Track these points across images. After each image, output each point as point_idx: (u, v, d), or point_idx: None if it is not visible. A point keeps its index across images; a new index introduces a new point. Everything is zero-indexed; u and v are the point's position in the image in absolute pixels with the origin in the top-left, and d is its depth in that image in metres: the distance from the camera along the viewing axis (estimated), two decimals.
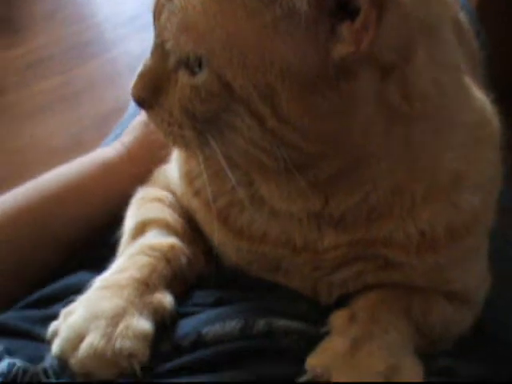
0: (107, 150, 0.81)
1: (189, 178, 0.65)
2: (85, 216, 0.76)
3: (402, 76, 0.49)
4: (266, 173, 0.56)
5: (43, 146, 1.70)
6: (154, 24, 0.53)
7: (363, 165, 0.53)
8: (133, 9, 2.15)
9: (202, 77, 0.49)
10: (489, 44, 1.06)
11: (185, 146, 0.55)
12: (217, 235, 0.62)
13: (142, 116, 0.81)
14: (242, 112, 0.49)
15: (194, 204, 0.65)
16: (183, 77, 0.51)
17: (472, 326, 0.66)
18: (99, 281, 0.59)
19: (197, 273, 0.65)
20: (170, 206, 0.69)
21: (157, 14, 0.52)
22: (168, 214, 0.68)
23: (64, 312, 0.55)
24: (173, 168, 0.69)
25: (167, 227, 0.66)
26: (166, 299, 0.57)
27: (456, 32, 0.72)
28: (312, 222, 0.58)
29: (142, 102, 0.55)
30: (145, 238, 0.65)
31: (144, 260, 0.60)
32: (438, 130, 0.54)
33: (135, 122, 0.83)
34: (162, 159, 0.70)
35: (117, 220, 0.72)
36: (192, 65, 0.50)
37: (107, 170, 0.78)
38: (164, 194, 0.71)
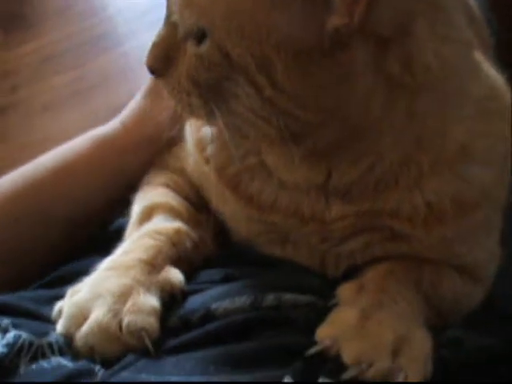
0: (103, 128, 0.81)
1: (201, 145, 0.66)
2: (82, 194, 0.76)
3: (401, 47, 0.49)
4: (269, 142, 0.57)
5: (57, 141, 1.69)
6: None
7: (365, 137, 0.53)
8: (145, 2, 2.15)
9: (204, 47, 0.51)
10: (499, 32, 1.06)
11: (192, 113, 0.57)
12: (226, 207, 0.65)
13: (140, 93, 0.81)
14: (241, 81, 0.51)
15: (206, 171, 0.65)
16: (190, 47, 0.53)
17: (482, 301, 0.66)
18: (105, 262, 0.59)
19: (203, 256, 0.66)
20: (176, 190, 0.71)
21: None
22: (174, 199, 0.69)
23: (70, 291, 0.56)
24: (187, 138, 0.70)
25: (173, 212, 0.67)
26: (172, 276, 0.58)
27: (467, 18, 0.74)
28: (319, 193, 0.59)
29: (154, 71, 0.57)
30: (151, 222, 0.66)
31: (150, 243, 0.61)
32: (444, 102, 0.54)
33: (134, 99, 0.83)
34: (158, 134, 0.72)
35: (118, 197, 0.75)
36: (197, 36, 0.52)
37: (102, 145, 0.78)
38: (171, 177, 0.72)
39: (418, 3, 0.49)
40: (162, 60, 0.55)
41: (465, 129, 0.57)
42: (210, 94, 0.53)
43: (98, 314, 0.52)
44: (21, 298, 0.61)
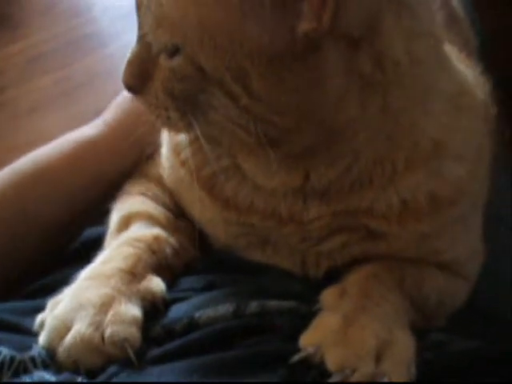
0: (86, 129, 0.80)
1: (178, 149, 0.66)
2: (63, 197, 0.75)
3: (371, 46, 0.49)
4: (246, 149, 0.57)
5: (44, 142, 1.69)
6: (137, 15, 0.55)
7: (341, 138, 0.54)
8: (131, 2, 2.14)
9: (177, 60, 0.52)
10: (484, 33, 1.06)
11: (172, 127, 0.58)
12: (203, 213, 0.65)
13: (123, 93, 0.81)
14: (216, 92, 0.51)
15: (181, 175, 0.66)
16: (163, 61, 0.53)
17: (466, 301, 0.66)
18: (85, 272, 0.59)
19: (184, 262, 0.66)
20: (154, 198, 0.71)
21: (138, 7, 0.55)
22: (152, 207, 0.69)
23: (50, 303, 0.56)
24: (163, 144, 0.70)
25: (151, 219, 0.68)
26: (153, 285, 0.58)
27: (449, 20, 0.75)
28: (296, 195, 0.59)
29: (131, 88, 0.57)
30: (129, 230, 0.66)
31: (129, 251, 0.61)
32: (415, 98, 0.54)
33: (117, 99, 0.83)
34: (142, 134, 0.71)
35: (99, 199, 0.74)
36: (170, 51, 0.52)
37: (85, 147, 0.77)
38: (149, 186, 0.72)
39: (384, 2, 0.49)
40: (138, 77, 0.56)
41: (437, 125, 0.57)
42: (186, 107, 0.54)
43: (80, 326, 0.52)
44: (1, 310, 0.60)
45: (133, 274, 0.58)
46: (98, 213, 0.76)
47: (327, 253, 0.62)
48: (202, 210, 0.65)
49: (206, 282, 0.61)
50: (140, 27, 0.55)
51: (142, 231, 0.65)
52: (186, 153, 0.63)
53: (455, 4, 0.85)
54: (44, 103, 1.91)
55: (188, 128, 0.55)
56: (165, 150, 0.69)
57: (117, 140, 0.77)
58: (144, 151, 0.74)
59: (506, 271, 0.81)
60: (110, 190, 0.74)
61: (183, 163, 0.65)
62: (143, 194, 0.71)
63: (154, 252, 0.62)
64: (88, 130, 0.79)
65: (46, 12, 2.18)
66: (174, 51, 0.52)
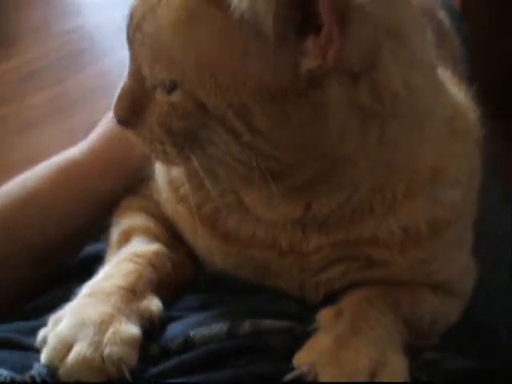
0: (71, 150, 0.79)
1: (173, 185, 0.65)
2: (52, 219, 0.75)
3: (370, 79, 0.50)
4: (246, 182, 0.57)
5: (39, 160, 1.68)
6: (129, 48, 0.54)
7: (342, 169, 0.54)
8: (123, 17, 2.14)
9: (176, 96, 0.51)
10: (471, 41, 1.07)
11: (168, 161, 0.57)
12: (201, 242, 0.65)
13: (107, 115, 0.80)
14: (217, 128, 0.51)
15: (179, 210, 0.65)
16: (160, 95, 0.52)
17: (460, 317, 0.67)
18: (85, 288, 0.59)
19: (183, 277, 0.66)
20: (153, 214, 0.70)
21: (130, 36, 0.53)
22: (151, 222, 0.70)
23: (52, 319, 0.56)
24: (158, 175, 0.69)
25: (151, 234, 0.68)
26: (152, 304, 0.58)
27: (435, 31, 0.74)
28: (296, 226, 0.59)
29: (123, 122, 0.56)
30: (129, 245, 0.66)
31: (130, 267, 0.61)
32: (413, 126, 0.55)
33: (101, 121, 0.82)
34: (127, 157, 0.71)
35: (89, 221, 0.75)
36: (168, 86, 0.51)
37: (67, 171, 0.76)
38: (147, 203, 0.72)
39: (382, 36, 0.50)
40: (131, 111, 0.55)
41: (433, 151, 0.58)
42: (184, 142, 0.53)
43: (81, 346, 0.52)
44: (3, 329, 0.60)
45: (133, 292, 0.58)
46: (97, 230, 0.77)
47: (326, 281, 0.62)
48: (200, 242, 0.65)
49: (202, 301, 0.62)
50: (132, 60, 0.54)
51: (142, 246, 0.65)
52: (185, 189, 0.63)
53: (442, 16, 0.87)
54: (38, 120, 1.91)
55: (185, 162, 0.55)
56: (160, 182, 0.69)
57: (101, 160, 0.76)
58: (137, 174, 0.73)
59: (498, 284, 0.82)
60: (102, 210, 0.74)
61: (181, 199, 0.64)
62: (143, 209, 0.71)
63: (154, 267, 0.62)
64: (73, 152, 0.78)
65: (38, 29, 2.19)
66: (172, 87, 0.51)
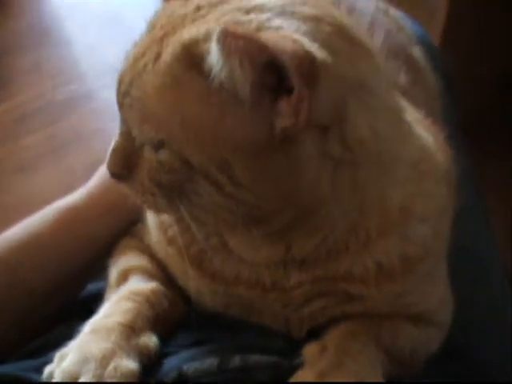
0: (72, 196, 0.83)
1: (163, 227, 0.69)
2: (53, 263, 0.78)
3: (339, 130, 0.53)
4: (230, 227, 0.61)
5: (33, 202, 1.68)
6: (119, 111, 0.58)
7: (317, 212, 0.57)
8: (115, 56, 2.16)
9: (163, 155, 0.55)
10: (456, 77, 1.11)
11: (158, 210, 0.61)
12: (191, 283, 0.68)
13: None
14: (202, 182, 0.54)
15: (169, 252, 0.69)
16: (148, 153, 0.56)
17: (441, 346, 0.70)
18: (88, 326, 0.63)
19: (178, 314, 0.70)
20: (149, 254, 0.74)
21: (119, 101, 0.57)
22: (147, 262, 0.73)
23: (58, 355, 0.59)
24: (148, 219, 0.74)
25: (148, 273, 0.72)
26: (150, 341, 0.62)
27: (409, 70, 0.82)
28: (278, 265, 0.63)
29: (117, 176, 0.60)
30: (128, 284, 0.70)
31: (128, 305, 0.65)
32: (381, 170, 0.58)
33: (100, 168, 0.85)
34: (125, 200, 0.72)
35: (91, 264, 0.79)
36: (156, 145, 0.55)
37: (67, 216, 0.80)
38: (142, 244, 0.76)
39: (348, 90, 0.53)
40: (123, 166, 0.59)
41: (402, 192, 0.61)
42: (173, 193, 0.57)
43: (85, 380, 0.56)
44: (11, 367, 0.63)
45: (132, 329, 0.62)
46: (98, 269, 0.80)
47: (308, 315, 0.65)
48: (189, 282, 0.69)
49: (194, 338, 0.65)
50: (123, 122, 0.58)
51: (139, 285, 0.69)
52: (174, 231, 0.67)
53: (417, 53, 0.90)
54: (31, 162, 1.92)
55: (175, 211, 0.59)
56: (151, 225, 0.73)
57: (100, 206, 0.80)
58: (134, 217, 0.77)
59: (479, 309, 0.85)
60: (101, 252, 0.78)
61: (170, 241, 0.68)
62: (139, 249, 0.75)
63: (151, 304, 0.66)
64: (73, 198, 0.82)
65: (31, 71, 2.21)
66: (159, 145, 0.55)
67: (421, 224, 0.63)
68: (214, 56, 0.50)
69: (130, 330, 0.62)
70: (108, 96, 2.05)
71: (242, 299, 0.66)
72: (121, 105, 0.57)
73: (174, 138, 0.53)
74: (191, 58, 0.52)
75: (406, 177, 0.61)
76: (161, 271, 0.72)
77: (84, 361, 0.57)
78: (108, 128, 1.88)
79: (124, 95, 0.56)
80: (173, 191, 0.56)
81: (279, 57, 0.47)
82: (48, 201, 0.83)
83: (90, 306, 0.70)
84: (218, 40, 0.49)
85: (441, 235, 0.66)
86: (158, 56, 0.54)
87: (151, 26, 0.58)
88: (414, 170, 0.62)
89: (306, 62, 0.48)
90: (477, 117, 1.50)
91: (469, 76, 1.42)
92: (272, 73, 0.49)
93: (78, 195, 0.82)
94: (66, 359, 0.58)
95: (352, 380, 0.56)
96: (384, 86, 0.58)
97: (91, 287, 0.84)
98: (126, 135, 0.58)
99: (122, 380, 0.56)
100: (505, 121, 1.66)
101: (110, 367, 0.56)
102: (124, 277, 0.72)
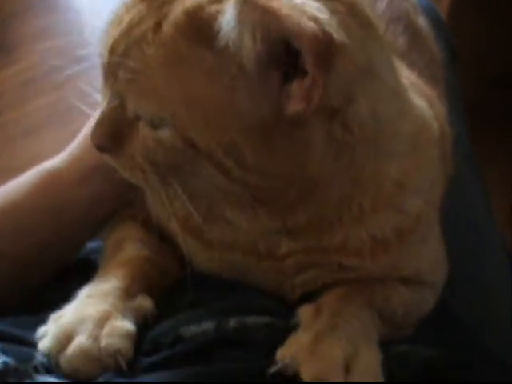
0: (52, 160, 0.78)
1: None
2: (29, 229, 0.74)
3: (343, 114, 0.52)
4: (229, 205, 0.60)
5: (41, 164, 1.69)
6: (106, 81, 0.55)
7: (316, 189, 0.57)
8: None
9: (164, 133, 0.52)
10: (459, 49, 1.11)
11: (148, 187, 0.59)
12: (188, 250, 0.68)
13: (89, 122, 0.78)
14: (205, 164, 0.52)
15: (170, 226, 0.68)
16: (145, 129, 0.53)
17: (435, 308, 0.72)
18: (85, 290, 0.63)
19: (171, 280, 0.70)
20: (143, 223, 0.73)
21: (110, 72, 0.53)
22: (141, 231, 0.73)
23: (53, 317, 0.60)
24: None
25: (142, 242, 0.72)
26: (145, 302, 0.63)
27: (410, 34, 0.81)
28: (272, 234, 0.63)
29: (102, 149, 0.57)
30: (123, 252, 0.70)
31: (123, 271, 0.66)
32: (379, 148, 0.58)
33: (83, 131, 0.80)
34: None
35: (75, 229, 0.76)
36: (155, 122, 0.52)
37: (47, 179, 0.75)
38: (138, 212, 0.74)
39: (358, 72, 0.51)
40: (110, 137, 0.55)
41: (398, 166, 0.61)
42: (168, 173, 0.55)
43: (81, 338, 0.56)
44: (5, 323, 0.63)
45: (127, 292, 0.63)
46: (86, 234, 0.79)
47: (301, 283, 0.66)
48: (187, 249, 0.69)
49: (191, 300, 0.65)
50: (114, 94, 0.54)
51: (134, 253, 0.70)
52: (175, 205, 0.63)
53: (421, 21, 0.89)
54: (40, 125, 1.94)
55: (165, 188, 0.57)
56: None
57: (80, 167, 0.75)
58: (125, 193, 0.73)
59: (480, 280, 0.88)
60: (87, 215, 0.75)
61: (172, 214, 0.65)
62: (134, 218, 0.75)
63: (145, 271, 0.67)
64: (54, 161, 0.77)
65: (38, 36, 2.21)
66: (159, 123, 0.52)
67: (414, 196, 0.63)
68: (227, 17, 0.47)
69: (126, 292, 0.62)
70: None
71: (237, 264, 0.67)
72: (112, 75, 0.53)
73: (178, 117, 0.50)
74: (197, 28, 0.49)
75: (401, 151, 0.61)
76: (155, 238, 0.71)
77: (80, 320, 0.58)
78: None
79: (117, 65, 0.52)
80: (169, 171, 0.54)
81: (297, 39, 0.45)
82: None
83: (84, 265, 0.73)
84: (236, 3, 0.46)
85: (433, 204, 0.67)
86: (157, 25, 0.50)
87: None
88: (409, 144, 0.62)
89: (324, 45, 0.46)
90: (478, 95, 1.51)
91: (472, 56, 1.42)
92: (284, 52, 0.48)
93: (59, 159, 0.77)
94: (61, 318, 0.59)
95: (346, 342, 0.57)
96: (387, 65, 0.57)
97: (93, 245, 0.83)
98: (116, 106, 0.54)
99: (118, 339, 0.57)
100: (506, 101, 1.67)
101: (107, 327, 0.57)
102: (119, 245, 0.72)
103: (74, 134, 0.80)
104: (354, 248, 0.62)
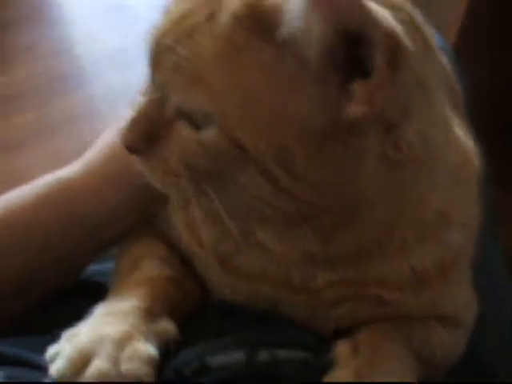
0: (63, 170, 0.72)
1: (192, 226, 0.63)
2: (35, 243, 0.68)
3: (398, 130, 0.49)
4: (265, 221, 0.55)
5: (20, 180, 1.65)
6: (152, 71, 0.52)
7: (361, 210, 0.54)
8: (114, 43, 2.15)
9: (208, 134, 0.48)
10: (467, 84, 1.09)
11: (179, 194, 0.54)
12: (210, 274, 0.64)
13: (107, 130, 0.74)
14: (251, 171, 0.48)
15: (195, 250, 0.64)
16: (184, 129, 0.50)
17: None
18: (102, 308, 0.58)
19: (194, 303, 0.65)
20: (163, 241, 0.68)
21: (156, 61, 0.51)
22: (163, 249, 0.67)
23: (67, 334, 0.54)
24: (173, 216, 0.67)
25: (162, 260, 0.66)
26: (169, 326, 0.57)
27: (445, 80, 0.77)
28: (308, 262, 0.59)
29: (134, 150, 0.53)
30: (141, 270, 0.65)
31: (145, 290, 0.60)
32: (425, 174, 0.55)
33: (100, 136, 0.75)
34: (126, 173, 0.66)
35: (84, 243, 0.70)
36: (196, 119, 0.48)
37: (58, 187, 0.69)
38: (156, 229, 0.69)
39: (415, 86, 0.49)
40: (144, 138, 0.52)
41: (442, 197, 0.58)
42: (205, 179, 0.50)
43: (100, 361, 0.50)
44: (6, 344, 0.59)
45: (150, 313, 0.57)
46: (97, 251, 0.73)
47: (336, 317, 0.62)
48: (210, 274, 0.65)
49: (215, 328, 0.61)
50: (158, 84, 0.51)
51: (155, 272, 0.64)
52: (203, 229, 0.59)
53: (444, 60, 0.87)
54: (18, 142, 1.90)
55: (198, 196, 0.52)
56: (177, 221, 0.66)
57: (96, 178, 0.69)
58: (140, 192, 0.67)
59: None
60: (101, 230, 0.70)
61: (198, 241, 0.62)
62: (154, 235, 0.69)
63: (168, 293, 0.61)
64: (63, 171, 0.71)
65: (27, 49, 2.19)
66: (204, 121, 0.48)
67: (457, 230, 0.60)
68: (293, 5, 0.44)
69: (148, 313, 0.57)
70: (103, 82, 2.04)
71: (266, 296, 0.62)
72: (157, 63, 0.50)
73: (228, 114, 0.47)
74: (257, 20, 0.46)
75: (446, 181, 0.58)
76: (176, 258, 0.67)
77: (98, 341, 0.52)
78: (101, 114, 1.86)
79: (165, 53, 0.49)
80: (206, 177, 0.50)
81: (374, 32, 0.43)
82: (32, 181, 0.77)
83: (89, 288, 0.66)
84: None
85: (472, 239, 0.64)
86: (212, 16, 0.47)
87: None
88: (454, 175, 0.60)
89: (395, 45, 0.44)
90: (490, 118, 1.50)
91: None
92: (347, 45, 0.45)
93: (73, 168, 0.71)
94: (76, 338, 0.53)
95: (391, 380, 0.54)
96: (439, 90, 0.55)
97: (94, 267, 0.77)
98: (156, 103, 0.51)
99: (140, 364, 0.51)
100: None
101: (128, 350, 0.52)
102: (136, 263, 0.66)
103: (56, 153, 0.75)
104: (394, 281, 0.59)
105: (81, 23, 2.32)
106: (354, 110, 0.45)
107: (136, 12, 2.27)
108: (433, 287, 0.60)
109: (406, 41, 0.45)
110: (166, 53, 0.49)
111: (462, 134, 0.64)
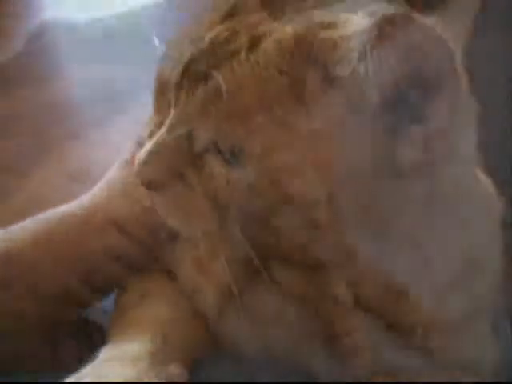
0: (67, 206, 0.69)
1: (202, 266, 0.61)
2: (30, 281, 0.65)
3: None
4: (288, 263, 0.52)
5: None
6: (171, 106, 0.48)
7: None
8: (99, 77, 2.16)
9: (245, 172, 0.45)
10: None
11: (199, 234, 0.52)
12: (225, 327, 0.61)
13: (117, 164, 0.70)
14: (290, 213, 0.45)
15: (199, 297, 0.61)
16: (213, 163, 0.47)
17: None
18: (104, 352, 0.55)
19: (204, 351, 0.63)
20: (170, 278, 0.66)
21: (178, 95, 0.48)
22: (170, 288, 0.65)
23: (72, 381, 0.51)
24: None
25: (170, 301, 0.64)
26: (179, 372, 0.54)
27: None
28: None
29: (153, 186, 0.49)
30: (147, 310, 0.62)
31: (152, 333, 0.57)
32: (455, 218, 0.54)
33: (110, 170, 0.71)
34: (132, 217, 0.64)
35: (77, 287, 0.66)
36: (232, 154, 0.45)
37: (53, 227, 0.66)
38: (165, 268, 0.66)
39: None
40: (165, 172, 0.48)
41: (470, 242, 0.57)
42: (233, 217, 0.47)
43: None
44: None
45: (159, 358, 0.54)
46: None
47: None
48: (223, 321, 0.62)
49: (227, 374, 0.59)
50: (184, 118, 0.47)
51: (162, 313, 0.62)
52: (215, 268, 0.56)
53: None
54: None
55: (222, 238, 0.49)
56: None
57: (100, 219, 0.66)
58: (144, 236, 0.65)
59: None
60: (97, 273, 0.66)
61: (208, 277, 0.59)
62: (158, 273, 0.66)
63: (177, 337, 0.59)
64: (65, 208, 0.69)
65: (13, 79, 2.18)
66: (238, 156, 0.45)
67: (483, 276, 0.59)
68: (357, 43, 0.41)
69: (158, 358, 0.54)
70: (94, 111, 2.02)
71: (284, 343, 0.59)
72: (181, 98, 0.47)
73: (271, 154, 0.44)
74: (307, 53, 0.44)
75: (474, 226, 0.57)
76: (184, 301, 0.63)
77: None
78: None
79: (195, 82, 0.46)
80: (236, 215, 0.47)
81: (449, 75, 0.42)
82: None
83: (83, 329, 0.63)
84: (375, 25, 0.40)
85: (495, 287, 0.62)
86: (253, 44, 0.45)
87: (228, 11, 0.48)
88: (481, 219, 0.58)
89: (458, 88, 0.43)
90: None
91: None
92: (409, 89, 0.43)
93: (77, 205, 0.68)
94: None
95: None
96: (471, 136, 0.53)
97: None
98: (181, 136, 0.47)
99: None
100: None
101: None
102: (139, 302, 0.63)
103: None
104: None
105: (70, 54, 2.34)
106: (408, 154, 0.44)
107: None
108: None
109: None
110: (197, 82, 0.46)
111: (483, 177, 0.62)
